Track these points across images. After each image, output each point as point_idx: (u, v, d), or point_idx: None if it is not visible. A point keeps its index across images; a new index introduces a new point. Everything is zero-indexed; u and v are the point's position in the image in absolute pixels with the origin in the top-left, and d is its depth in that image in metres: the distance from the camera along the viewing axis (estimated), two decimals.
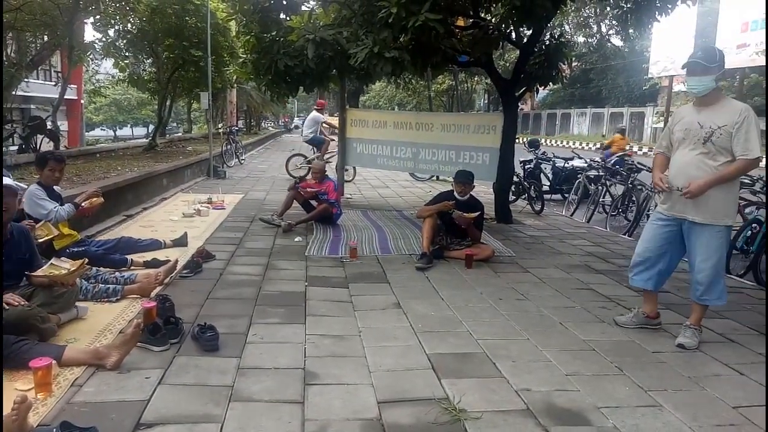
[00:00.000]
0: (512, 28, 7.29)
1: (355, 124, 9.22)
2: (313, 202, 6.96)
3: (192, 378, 2.79)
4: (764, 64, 22.66)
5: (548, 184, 10.42)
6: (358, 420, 2.46)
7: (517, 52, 8.41)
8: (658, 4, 7.13)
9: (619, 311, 4.06)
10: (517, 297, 4.34)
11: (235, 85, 20.75)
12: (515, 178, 8.87)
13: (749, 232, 5.85)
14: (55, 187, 4.62)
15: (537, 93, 10.94)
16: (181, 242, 5.47)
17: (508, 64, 30.11)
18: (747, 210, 6.35)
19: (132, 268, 4.57)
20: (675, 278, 4.34)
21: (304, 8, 7.93)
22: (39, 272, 3.11)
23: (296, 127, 39.39)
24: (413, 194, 10.51)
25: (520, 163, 10.11)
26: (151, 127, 37.08)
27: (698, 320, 3.51)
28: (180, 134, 25.51)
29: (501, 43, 7.61)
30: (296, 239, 6.08)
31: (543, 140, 33.47)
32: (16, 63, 12.72)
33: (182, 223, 6.67)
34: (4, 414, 2.16)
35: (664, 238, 3.52)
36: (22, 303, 3.01)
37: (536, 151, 10.69)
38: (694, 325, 3.49)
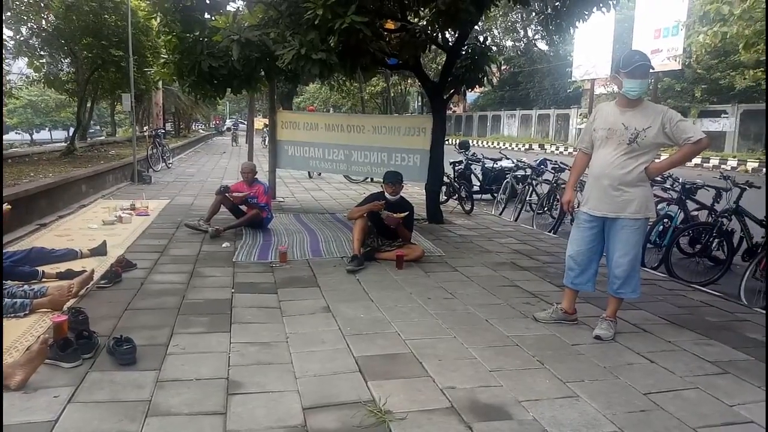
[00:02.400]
0: (439, 31, 7.43)
1: (286, 126, 9.11)
2: (242, 207, 6.80)
3: (106, 394, 2.65)
4: (675, 68, 24.24)
5: (478, 184, 10.69)
6: (282, 428, 2.42)
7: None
8: (577, 11, 7.45)
9: (542, 306, 4.20)
10: (446, 296, 4.40)
11: (162, 87, 20.01)
12: (446, 179, 9.03)
13: (661, 227, 6.22)
14: None
15: (465, 96, 11.22)
16: (99, 251, 5.20)
17: (440, 67, 30.69)
18: (659, 206, 6.74)
19: (44, 280, 4.29)
20: None
21: (229, 8, 7.75)
22: None
23: (228, 129, 38.35)
24: (347, 196, 10.49)
25: (451, 164, 10.31)
26: (71, 131, 35.17)
27: (614, 312, 3.69)
28: (103, 138, 24.29)
29: (428, 47, 7.71)
30: (224, 245, 5.92)
31: (475, 141, 34.39)
32: None
33: (102, 231, 6.35)
34: None
35: (592, 238, 3.65)
36: None
37: (466, 153, 10.93)
38: (609, 318, 3.66)
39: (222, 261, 5.30)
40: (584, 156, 3.79)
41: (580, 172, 3.90)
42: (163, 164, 14.73)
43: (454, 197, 9.51)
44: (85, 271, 4.25)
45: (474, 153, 11.22)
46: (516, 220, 8.36)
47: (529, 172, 9.10)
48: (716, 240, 5.76)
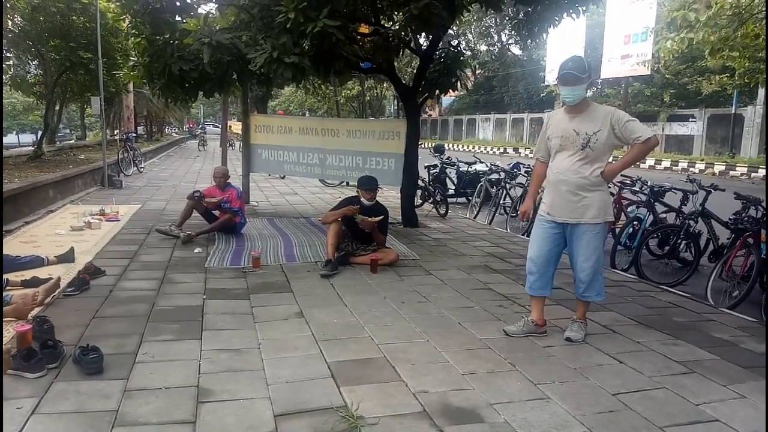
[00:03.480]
0: (412, 36, 7.47)
1: (260, 130, 9.05)
2: (215, 212, 6.72)
3: (71, 405, 2.58)
4: (645, 73, 24.75)
5: (453, 188, 10.75)
6: None
7: None
8: (548, 16, 7.56)
9: (515, 309, 4.24)
10: (419, 299, 4.41)
11: (133, 89, 19.69)
12: (421, 183, 9.07)
13: (631, 229, 6.34)
14: None
15: (439, 100, 11.29)
16: (67, 258, 5.08)
17: (414, 71, 30.83)
18: (629, 209, 6.87)
19: (8, 288, 4.17)
20: (565, 274, 4.60)
21: (200, 11, 7.66)
22: None
23: (205, 132, 37.83)
24: (322, 200, 10.45)
25: (426, 167, 10.36)
26: (40, 134, 34.40)
27: (583, 314, 3.74)
28: (72, 141, 23.80)
29: (402, 51, 7.74)
30: (196, 250, 5.83)
31: (450, 145, 34.59)
32: None
33: (70, 237, 6.20)
34: None
35: (553, 240, 3.67)
36: None
37: (441, 156, 10.99)
38: (579, 319, 3.71)
39: (194, 267, 5.22)
40: (542, 165, 3.83)
41: (540, 181, 3.95)
42: (135, 168, 14.47)
43: (429, 201, 9.54)
44: (51, 278, 4.14)
45: (449, 157, 11.28)
46: (490, 223, 8.43)
47: (503, 175, 9.19)
48: (684, 242, 5.89)
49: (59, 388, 2.74)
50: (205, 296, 4.33)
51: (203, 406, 2.62)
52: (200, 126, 32.55)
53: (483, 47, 43.27)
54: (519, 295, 4.60)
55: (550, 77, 32.44)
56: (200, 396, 2.72)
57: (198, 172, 15.88)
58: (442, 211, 8.92)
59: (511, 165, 9.50)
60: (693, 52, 18.08)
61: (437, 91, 8.21)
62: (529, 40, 8.51)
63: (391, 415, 2.59)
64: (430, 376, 3.02)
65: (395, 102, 46.84)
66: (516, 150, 31.81)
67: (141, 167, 15.02)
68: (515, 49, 40.66)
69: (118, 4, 7.29)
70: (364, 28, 7.91)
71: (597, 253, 3.59)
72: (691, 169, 20.52)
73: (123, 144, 14.20)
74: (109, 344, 3.21)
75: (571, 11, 7.32)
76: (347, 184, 12.23)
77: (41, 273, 4.51)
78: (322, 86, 29.42)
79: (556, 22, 7.69)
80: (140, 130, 28.47)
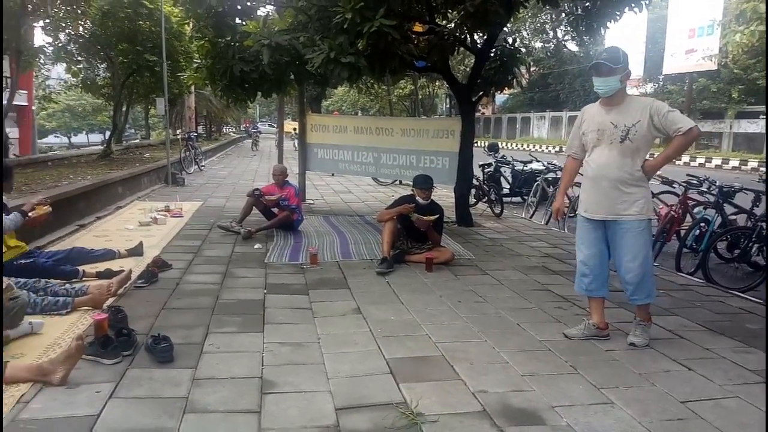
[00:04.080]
0: (467, 33, 7.42)
1: (316, 129, 9.20)
2: (274, 209, 6.89)
3: (145, 391, 2.72)
4: (711, 69, 23.64)
5: (508, 187, 10.60)
6: (315, 427, 2.45)
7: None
8: (608, 11, 7.35)
9: (574, 311, 4.16)
10: (476, 299, 4.39)
11: (194, 91, 20.40)
12: (475, 182, 8.98)
13: (698, 231, 6.08)
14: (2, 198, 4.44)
15: (494, 98, 11.16)
16: (136, 252, 5.33)
17: (468, 69, 30.55)
18: (695, 210, 6.59)
19: (84, 279, 4.43)
20: None
21: (259, 13, 7.87)
22: None
23: (260, 132, 38.61)
24: (376, 199, 10.53)
25: (480, 166, 10.26)
26: (108, 134, 36.14)
27: (646, 316, 3.58)
28: (137, 141, 24.88)
29: (457, 49, 7.70)
30: (256, 246, 6.00)
31: (504, 144, 34.06)
32: None
33: (138, 232, 6.51)
34: None
35: (598, 241, 3.54)
36: None
37: (495, 155, 10.86)
38: (643, 321, 3.56)
39: (254, 262, 5.38)
40: (574, 162, 3.72)
41: (572, 178, 3.85)
42: (196, 167, 15.01)
43: (484, 200, 9.46)
44: (123, 270, 4.37)
45: (503, 155, 11.14)
46: (547, 224, 8.28)
47: (560, 174, 8.99)
48: (756, 245, 5.60)
49: (133, 375, 2.88)
50: (265, 291, 4.45)
51: (267, 397, 2.70)
52: (253, 126, 32.51)
53: (538, 44, 42.39)
54: (578, 297, 4.47)
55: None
56: (264, 387, 2.80)
57: (255, 170, 16.30)
58: (497, 210, 8.82)
59: None
60: (763, 46, 17.11)
61: (493, 89, 8.13)
62: (587, 36, 8.31)
63: (451, 413, 2.59)
64: (489, 376, 3.00)
65: (447, 100, 46.57)
66: None
67: (201, 165, 15.56)
68: (572, 46, 39.64)
69: (182, 8, 7.57)
70: (418, 27, 7.92)
71: (644, 252, 3.43)
72: (761, 168, 19.43)
73: (185, 143, 14.75)
74: (177, 334, 3.35)
75: (633, 5, 7.09)
76: (400, 182, 12.27)
77: (113, 265, 4.75)
78: (375, 85, 29.66)
79: (617, 17, 7.46)
80: (200, 129, 29.45)
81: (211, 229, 6.86)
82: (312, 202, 9.72)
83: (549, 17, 37.67)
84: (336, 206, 9.52)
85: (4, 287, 3.04)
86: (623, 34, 26.00)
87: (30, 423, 2.40)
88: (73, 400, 2.60)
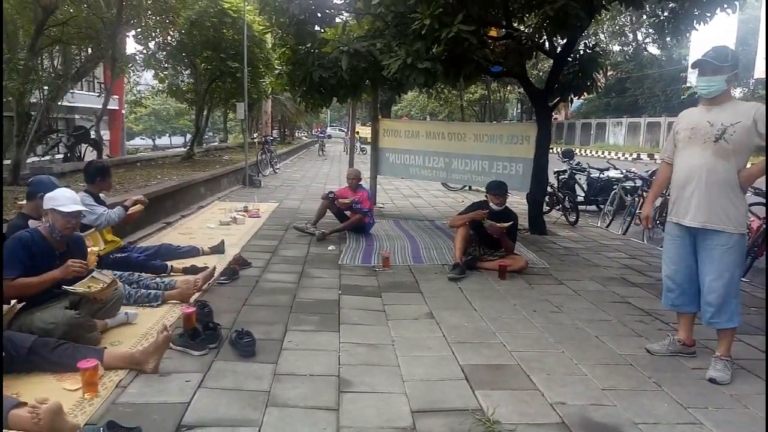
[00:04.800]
0: (546, 38, 7.29)
1: (388, 134, 9.30)
2: (347, 212, 7.03)
3: (230, 382, 2.86)
4: None
5: (583, 194, 10.28)
6: (392, 428, 2.48)
7: (551, 61, 8.37)
8: (697, 13, 7.00)
9: (657, 326, 3.99)
10: (552, 309, 4.30)
11: (270, 96, 21.11)
12: (549, 189, 8.78)
13: None
14: (100, 194, 4.79)
15: (571, 103, 10.84)
16: (218, 249, 5.59)
17: (541, 74, 29.89)
18: None
19: (171, 274, 4.70)
20: None
21: (337, 20, 8.06)
22: (77, 285, 3.19)
23: (329, 136, 39.35)
24: (445, 204, 10.50)
25: (554, 173, 10.01)
26: (189, 137, 38.00)
27: (727, 349, 3.21)
28: (216, 143, 26.06)
29: (535, 54, 7.58)
30: (329, 248, 6.15)
31: (577, 150, 32.99)
32: (62, 75, 13.22)
33: (219, 230, 6.83)
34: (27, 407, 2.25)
35: (687, 254, 3.30)
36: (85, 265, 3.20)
37: (570, 162, 10.57)
38: (723, 356, 3.18)
39: (328, 263, 5.51)
40: (668, 167, 3.46)
41: (664, 184, 3.60)
42: (271, 169, 15.54)
43: (557, 208, 9.23)
44: (207, 267, 4.60)
45: (578, 162, 10.82)
46: (625, 234, 7.96)
47: (639, 183, 8.64)
48: None
49: (219, 367, 3.03)
50: (340, 291, 4.55)
51: (344, 396, 2.77)
52: (321, 131, 32.84)
53: (616, 47, 40.87)
54: (662, 311, 4.29)
55: (693, 77, 29.90)
56: (341, 386, 2.87)
57: (326, 173, 16.67)
58: (572, 218, 8.58)
59: (649, 172, 8.89)
60: None
61: (571, 94, 7.93)
62: (671, 39, 7.94)
63: (528, 423, 2.56)
64: (567, 387, 2.93)
65: (518, 105, 45.76)
66: (651, 156, 29.59)
67: (276, 168, 16.09)
68: (653, 49, 37.95)
69: (265, 17, 7.87)
70: (493, 32, 7.86)
71: (731, 271, 3.13)
72: None
73: (261, 146, 15.31)
74: (258, 330, 3.48)
75: (725, 5, 6.72)
76: (470, 188, 12.19)
77: (197, 262, 5.02)
78: (445, 90, 29.61)
79: (707, 19, 7.09)
80: (275, 133, 30.41)
81: (287, 230, 7.09)
82: (382, 205, 9.83)
83: (629, 19, 36.26)
84: (406, 210, 9.57)
85: (109, 281, 3.28)
86: (711, 35, 24.63)
87: (128, 406, 2.58)
88: (166, 387, 2.77)
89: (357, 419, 2.55)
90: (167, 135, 45.53)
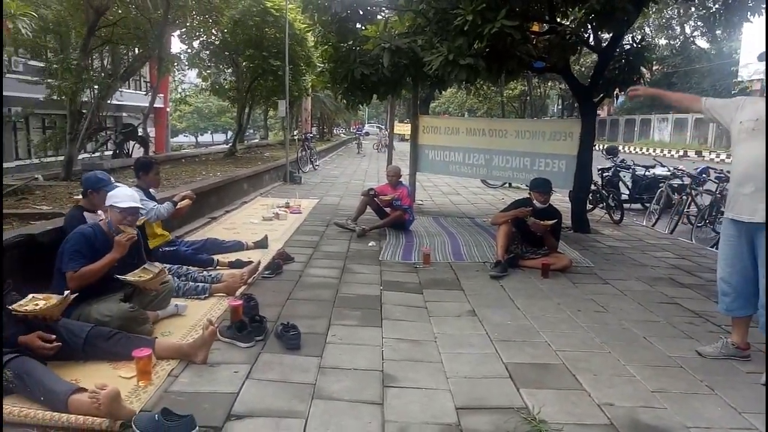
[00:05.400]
0: (591, 32, 7.13)
1: (428, 131, 9.26)
2: (387, 209, 7.05)
3: (276, 374, 2.91)
4: None
5: (627, 192, 10.03)
6: (437, 424, 2.49)
7: (594, 56, 8.19)
8: (751, 4, 6.74)
9: (708, 328, 3.87)
10: (597, 309, 4.22)
11: (311, 93, 21.33)
12: (592, 187, 8.60)
13: None
14: (151, 189, 4.95)
15: (616, 99, 10.60)
16: (262, 244, 5.70)
17: (583, 69, 29.25)
18: None
19: (218, 267, 4.82)
20: None
21: (379, 18, 8.07)
22: (128, 276, 3.31)
23: (367, 134, 39.39)
24: (485, 201, 10.42)
25: (598, 170, 9.80)
26: (230, 134, 38.75)
27: None
28: (257, 141, 26.49)
29: (580, 49, 7.42)
30: (370, 244, 6.18)
31: (621, 147, 32.18)
32: (111, 74, 13.68)
33: (262, 226, 6.95)
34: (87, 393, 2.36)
35: (743, 253, 3.19)
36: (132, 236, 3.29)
37: (614, 159, 10.33)
38: None
39: (369, 259, 5.54)
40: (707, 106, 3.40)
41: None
42: (311, 166, 15.71)
43: (600, 206, 9.03)
44: (252, 261, 4.70)
45: (623, 159, 10.57)
46: (672, 233, 7.74)
47: (687, 180, 8.38)
48: None
49: (265, 359, 3.10)
50: (381, 287, 4.58)
51: (389, 390, 2.79)
52: (358, 128, 32.43)
53: (662, 41, 39.60)
54: (712, 312, 4.16)
55: (745, 72, 28.76)
56: (385, 380, 2.89)
57: (365, 170, 16.74)
58: (617, 217, 8.38)
59: (698, 170, 8.62)
60: None
61: (616, 90, 7.74)
62: (722, 32, 7.66)
63: (576, 423, 2.52)
64: (614, 389, 2.88)
65: (559, 101, 44.91)
66: (699, 153, 28.64)
67: (316, 165, 16.26)
68: (701, 42, 36.62)
69: (307, 15, 7.96)
70: (535, 27, 7.73)
71: None
72: None
73: (301, 143, 15.49)
74: (302, 324, 3.52)
75: None
76: (510, 185, 12.06)
77: (242, 256, 5.12)
78: (484, 86, 29.29)
79: (763, 9, 6.82)
80: (314, 130, 30.71)
81: (328, 226, 7.17)
82: (421, 202, 9.81)
83: (676, 12, 35.11)
84: (445, 207, 9.54)
85: (157, 272, 3.39)
86: (763, 28, 23.66)
87: (179, 395, 2.66)
88: (215, 377, 2.85)
89: (401, 414, 2.56)
90: (209, 132, 46.55)
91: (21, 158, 20.30)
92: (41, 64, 14.64)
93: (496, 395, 2.78)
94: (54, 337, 2.68)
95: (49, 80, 10.80)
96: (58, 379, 2.49)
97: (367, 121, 59.39)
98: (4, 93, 17.93)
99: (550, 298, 4.46)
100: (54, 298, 2.80)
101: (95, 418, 2.32)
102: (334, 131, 43.30)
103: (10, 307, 2.69)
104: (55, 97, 10.70)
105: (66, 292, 2.83)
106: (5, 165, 17.49)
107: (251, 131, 40.07)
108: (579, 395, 2.80)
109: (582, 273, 5.29)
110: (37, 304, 2.74)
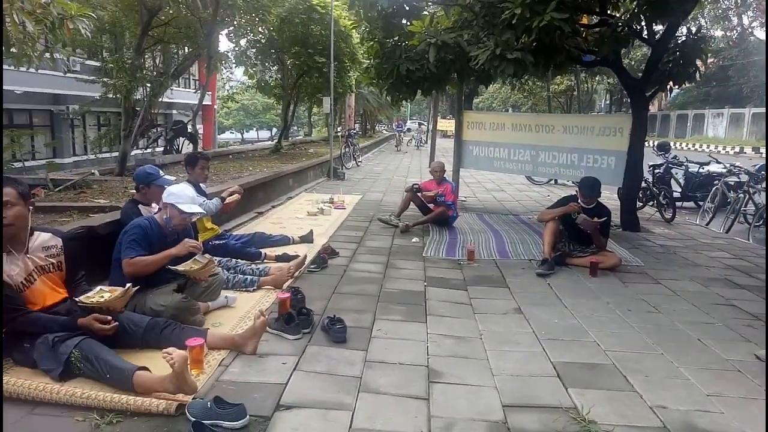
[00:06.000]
0: (644, 24, 6.90)
1: (472, 127, 9.17)
2: (430, 205, 7.03)
3: (323, 366, 2.95)
4: None
5: (679, 190, 9.68)
6: (484, 421, 2.47)
7: (645, 49, 7.93)
8: None
9: None
10: (648, 309, 4.10)
11: (354, 90, 21.45)
12: (643, 184, 8.35)
13: None
14: (201, 184, 5.09)
15: (670, 92, 10.24)
16: (307, 239, 5.78)
17: (633, 63, 28.36)
18: None
19: (265, 261, 4.92)
20: None
21: (425, 13, 8.04)
22: (180, 267, 3.41)
23: (409, 130, 39.22)
24: (530, 198, 10.26)
25: (649, 167, 9.49)
26: (274, 131, 39.39)
27: None
28: (301, 137, 26.83)
29: (632, 41, 7.20)
30: (413, 240, 6.19)
31: (672, 143, 31.07)
32: (162, 72, 14.11)
33: (307, 220, 7.05)
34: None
35: None
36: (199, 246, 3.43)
37: (666, 155, 9.98)
38: None
39: (412, 255, 5.55)
40: None
41: None
42: (354, 162, 15.81)
43: (651, 203, 8.76)
44: (298, 255, 4.77)
45: (675, 155, 10.20)
46: (727, 232, 7.43)
47: (745, 178, 8.03)
48: None
49: (312, 351, 3.15)
50: (425, 283, 4.58)
51: (434, 386, 2.79)
52: (397, 125, 31.62)
53: (718, 32, 37.97)
54: None
55: None
56: (430, 376, 2.89)
57: (408, 166, 16.73)
58: (668, 215, 8.11)
59: (756, 167, 8.25)
60: None
61: (670, 83, 7.48)
62: None
63: (627, 425, 2.46)
64: (668, 391, 2.80)
65: (607, 96, 43.70)
66: (756, 150, 27.38)
67: (359, 161, 16.36)
68: (760, 33, 34.94)
69: (353, 12, 7.99)
70: (584, 19, 7.54)
71: None
72: None
73: (345, 140, 15.61)
74: (348, 317, 3.56)
75: None
76: (555, 182, 11.83)
77: (288, 250, 5.21)
78: (529, 82, 28.76)
79: None
80: (356, 126, 30.85)
81: (371, 222, 7.21)
82: (464, 199, 9.74)
83: (733, 2, 33.64)
84: (489, 204, 9.44)
85: (206, 262, 3.49)
86: None
87: (230, 384, 2.74)
88: (264, 368, 2.91)
89: (448, 410, 2.56)
90: (254, 129, 47.48)
91: (78, 154, 21.23)
92: (97, 64, 15.26)
93: (543, 394, 2.74)
94: (110, 318, 2.79)
95: (104, 79, 11.21)
96: (122, 359, 2.61)
97: (409, 118, 59.28)
98: (64, 92, 18.80)
99: (599, 297, 4.36)
100: (118, 291, 2.91)
101: (153, 399, 2.42)
102: (376, 128, 43.39)
103: (77, 299, 2.82)
104: (110, 96, 11.09)
105: (128, 285, 2.95)
106: (63, 161, 18.32)
107: (295, 128, 40.66)
108: (630, 397, 2.73)
109: (632, 272, 5.14)
110: (102, 296, 2.86)
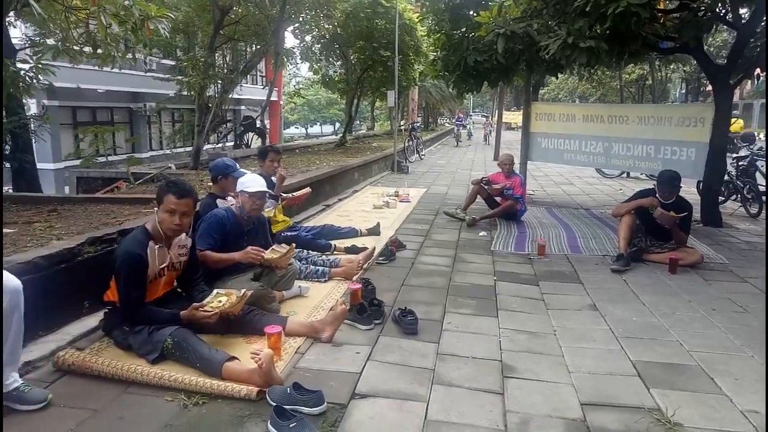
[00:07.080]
0: (729, 7, 6.50)
1: (540, 118, 8.94)
2: (497, 198, 6.93)
3: (396, 357, 2.98)
4: None
5: (765, 183, 9.07)
6: (561, 419, 2.42)
7: (725, 34, 7.46)
8: None
9: None
10: (735, 309, 3.88)
11: (419, 83, 21.39)
12: (725, 177, 7.88)
13: None
14: (272, 177, 5.22)
15: (757, 80, 9.61)
16: (374, 231, 5.83)
17: (712, 49, 26.76)
18: None
19: (335, 252, 5.01)
20: None
21: (492, 3, 7.89)
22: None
23: (464, 126, 38.46)
24: (601, 192, 9.92)
25: (733, 159, 8.95)
26: (338, 125, 39.92)
27: None
28: (364, 131, 27.06)
29: (715, 26, 6.80)
30: (480, 234, 6.12)
31: (756, 134, 29.13)
32: (232, 69, 14.58)
33: (373, 213, 7.12)
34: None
35: None
36: (261, 253, 3.50)
37: (751, 146, 9.36)
38: None
39: (480, 249, 5.49)
40: None
41: None
42: (417, 156, 15.79)
43: (734, 198, 8.26)
44: (366, 248, 4.82)
45: (761, 147, 9.56)
46: None
47: None
48: None
49: (385, 342, 3.18)
50: (495, 278, 4.52)
51: (508, 381, 2.75)
52: (458, 118, 30.51)
53: None
54: None
55: None
56: (504, 370, 2.86)
57: (472, 160, 16.55)
58: (753, 210, 7.63)
59: None
60: None
61: (757, 70, 7.02)
62: None
63: (716, 429, 2.35)
64: (759, 395, 2.64)
65: (682, 85, 41.45)
66: None
67: (422, 154, 16.33)
68: None
69: (420, 3, 7.96)
70: (661, 4, 7.17)
71: None
72: None
73: (408, 133, 15.60)
74: (418, 310, 3.56)
75: None
76: (627, 175, 11.37)
77: (356, 242, 5.28)
78: (598, 71, 27.64)
79: None
80: (419, 120, 30.75)
81: (437, 215, 7.19)
82: (532, 192, 9.53)
83: None
84: (558, 198, 9.20)
85: (285, 251, 3.60)
86: None
87: (306, 371, 2.81)
88: (339, 357, 2.97)
89: (523, 405, 2.53)
90: (318, 124, 48.28)
91: (154, 149, 22.32)
92: (172, 62, 15.96)
93: (624, 393, 2.65)
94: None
95: (179, 77, 11.71)
96: (212, 349, 2.72)
97: (471, 110, 58.50)
98: (142, 90, 19.79)
99: (680, 295, 4.16)
100: (233, 294, 3.04)
101: (237, 385, 2.52)
102: (438, 121, 43.11)
103: (196, 304, 2.93)
104: (184, 93, 11.57)
105: (243, 290, 3.07)
106: (141, 155, 19.31)
107: (358, 122, 41.04)
108: (718, 399, 2.60)
109: (715, 270, 4.88)
110: (221, 301, 2.99)
